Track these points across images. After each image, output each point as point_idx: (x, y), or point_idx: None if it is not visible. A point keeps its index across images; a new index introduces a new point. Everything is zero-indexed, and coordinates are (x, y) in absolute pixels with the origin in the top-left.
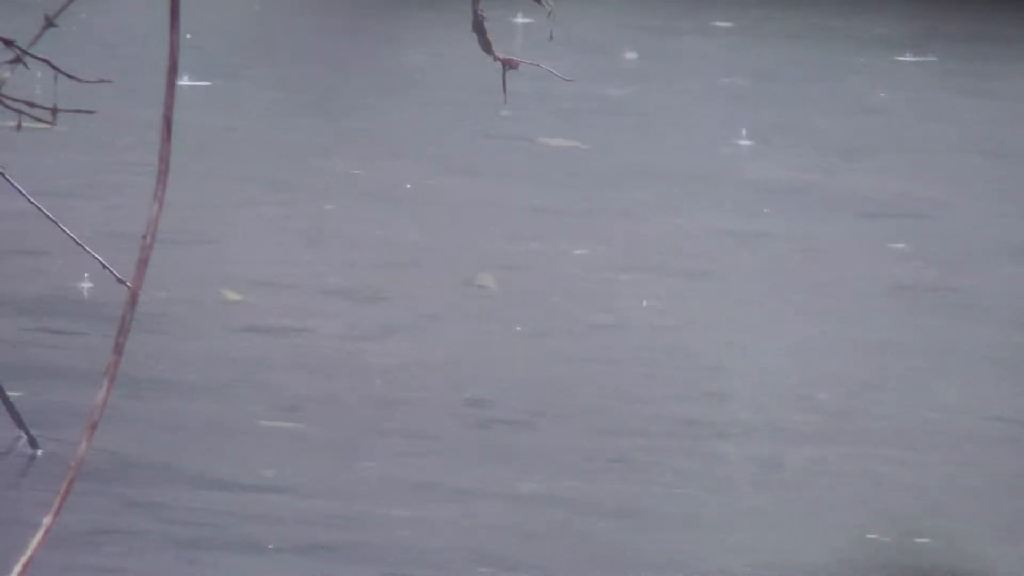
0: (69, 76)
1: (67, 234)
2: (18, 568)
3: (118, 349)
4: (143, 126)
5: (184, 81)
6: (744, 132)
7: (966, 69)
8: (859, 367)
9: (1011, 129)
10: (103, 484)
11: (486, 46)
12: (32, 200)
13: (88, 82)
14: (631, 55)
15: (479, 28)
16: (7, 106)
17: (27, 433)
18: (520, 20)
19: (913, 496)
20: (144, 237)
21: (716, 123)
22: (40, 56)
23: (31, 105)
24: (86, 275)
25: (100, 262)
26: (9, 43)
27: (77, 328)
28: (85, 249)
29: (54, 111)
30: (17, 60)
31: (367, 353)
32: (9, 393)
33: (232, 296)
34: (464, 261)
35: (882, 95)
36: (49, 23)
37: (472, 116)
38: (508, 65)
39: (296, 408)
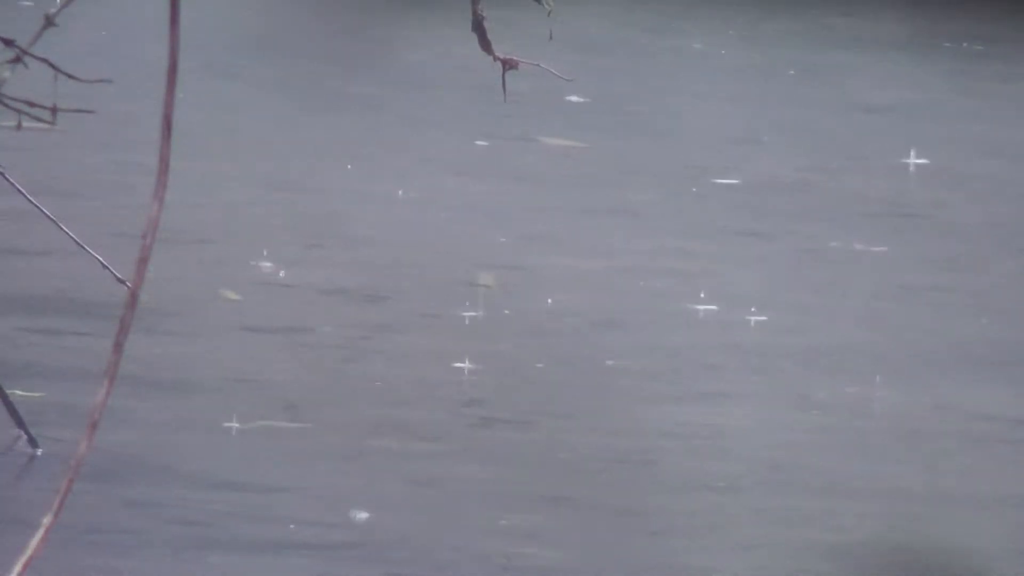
0: (69, 76)
1: (67, 234)
2: (18, 568)
3: (118, 349)
4: (143, 126)
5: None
6: (745, 132)
7: (966, 69)
8: (859, 367)
9: (1011, 129)
10: (103, 484)
11: (486, 46)
12: (32, 200)
13: (88, 82)
14: (631, 54)
15: (479, 28)
16: (7, 106)
17: (27, 433)
18: (520, 19)
19: (913, 496)
20: (144, 237)
21: (716, 123)
22: (40, 56)
23: (31, 105)
24: (86, 275)
25: (100, 262)
26: (9, 43)
27: (77, 328)
28: (85, 249)
29: (54, 111)
30: (17, 60)
31: (367, 353)
32: (9, 393)
33: (232, 296)
34: (464, 261)
35: (882, 95)
36: (49, 23)
37: (472, 116)
38: (508, 65)
39: (296, 408)
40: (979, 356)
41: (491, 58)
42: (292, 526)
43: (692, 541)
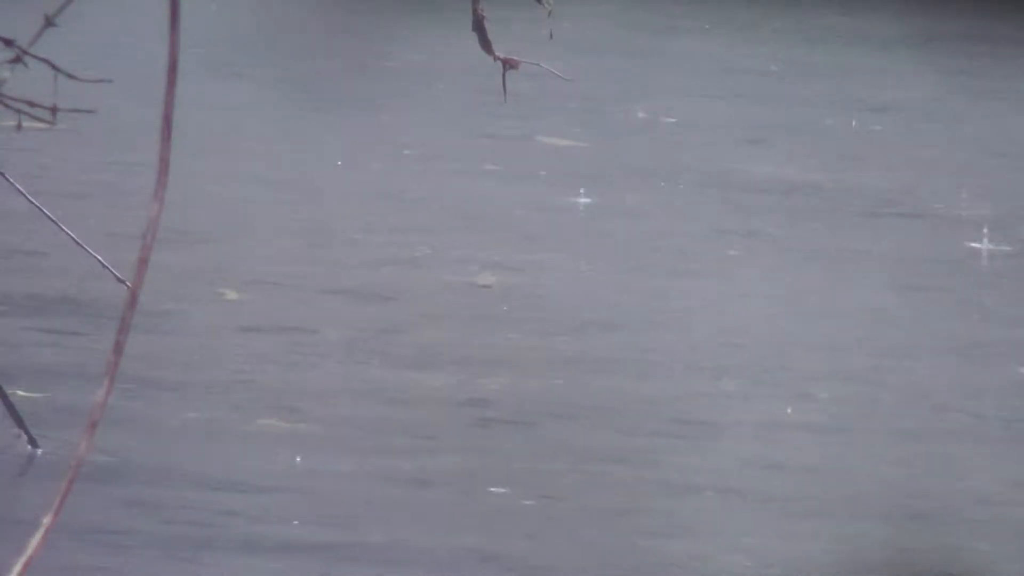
0: (69, 76)
1: (67, 234)
2: (18, 568)
3: (118, 349)
4: (143, 126)
5: None
6: (744, 132)
7: (966, 69)
8: (859, 366)
9: (1011, 129)
10: (103, 484)
11: (486, 46)
12: (32, 200)
13: (88, 82)
14: (631, 55)
15: (479, 28)
16: (7, 106)
17: (27, 433)
18: (520, 19)
19: (913, 495)
20: (144, 237)
21: (716, 123)
22: (40, 56)
23: (31, 105)
24: (86, 275)
25: (100, 262)
26: (9, 43)
27: (77, 328)
28: (85, 249)
29: (54, 111)
30: (17, 60)
31: (367, 353)
32: (10, 393)
33: (232, 296)
34: (465, 261)
35: (882, 95)
36: (49, 23)
37: (472, 116)
38: (508, 65)
39: (296, 408)
40: (979, 356)
41: (491, 58)
42: (295, 522)
43: (692, 541)
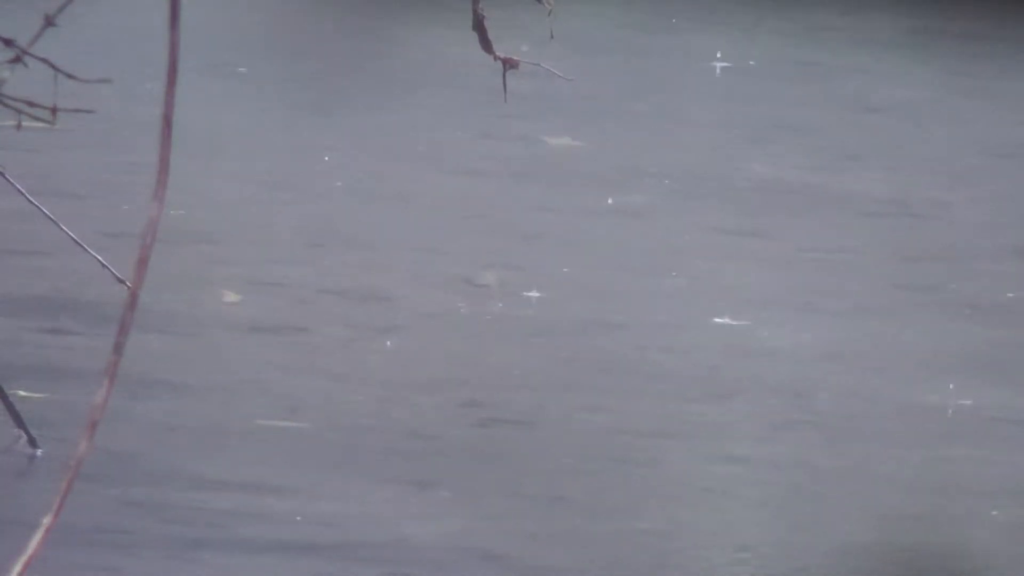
0: (69, 76)
1: (67, 234)
2: (18, 568)
3: (118, 349)
4: (143, 126)
5: None
6: (744, 132)
7: (966, 69)
8: (859, 367)
9: (1011, 129)
10: (103, 484)
11: (486, 45)
12: (32, 200)
13: (88, 82)
14: (631, 55)
15: (479, 27)
16: (7, 106)
17: (27, 433)
18: (520, 19)
19: (912, 497)
20: (144, 237)
21: (715, 123)
22: (40, 56)
23: (31, 105)
24: (86, 275)
25: (100, 262)
26: (9, 43)
27: (77, 328)
28: (85, 249)
29: (54, 111)
30: (17, 60)
31: (367, 353)
32: (10, 393)
33: (232, 296)
34: (464, 261)
35: (882, 95)
36: (49, 23)
37: (472, 116)
38: (508, 64)
39: (296, 408)
40: (979, 356)
41: (492, 57)
42: (299, 518)
43: (691, 541)
